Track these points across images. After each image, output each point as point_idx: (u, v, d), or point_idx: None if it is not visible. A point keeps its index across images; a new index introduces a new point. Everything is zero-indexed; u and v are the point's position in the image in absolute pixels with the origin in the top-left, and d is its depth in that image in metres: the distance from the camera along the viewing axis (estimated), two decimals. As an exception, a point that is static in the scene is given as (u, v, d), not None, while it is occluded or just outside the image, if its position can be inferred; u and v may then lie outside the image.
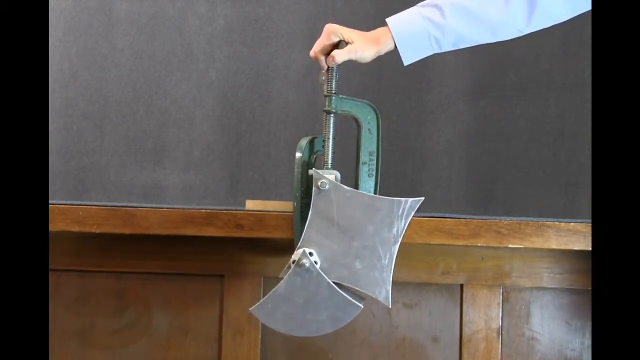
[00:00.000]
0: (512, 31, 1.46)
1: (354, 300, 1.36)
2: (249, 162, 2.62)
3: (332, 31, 1.43)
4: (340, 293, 1.36)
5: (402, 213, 1.35)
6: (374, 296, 1.36)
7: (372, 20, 1.53)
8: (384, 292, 1.36)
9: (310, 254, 1.36)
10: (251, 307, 1.38)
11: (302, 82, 2.61)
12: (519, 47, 2.55)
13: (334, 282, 1.36)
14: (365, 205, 1.36)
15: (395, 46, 1.43)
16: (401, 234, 1.36)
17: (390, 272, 1.36)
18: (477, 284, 1.58)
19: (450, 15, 1.42)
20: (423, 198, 1.36)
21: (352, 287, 1.37)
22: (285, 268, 1.37)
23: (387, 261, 1.36)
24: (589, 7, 1.45)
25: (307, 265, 1.35)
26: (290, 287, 1.36)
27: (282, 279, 1.37)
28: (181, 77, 2.64)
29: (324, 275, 1.35)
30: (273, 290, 1.37)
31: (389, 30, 1.42)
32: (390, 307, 1.37)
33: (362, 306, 1.37)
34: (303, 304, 1.36)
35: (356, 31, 1.44)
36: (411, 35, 1.42)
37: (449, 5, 1.42)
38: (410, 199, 1.35)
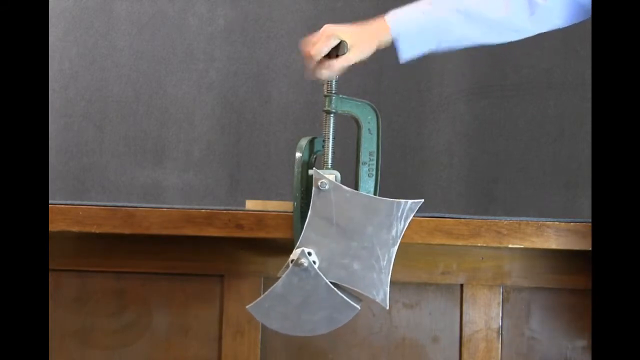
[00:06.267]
0: (511, 34, 1.46)
1: (351, 302, 1.36)
2: (249, 162, 2.62)
3: (331, 34, 1.41)
4: (338, 294, 1.35)
5: (402, 215, 1.35)
6: (371, 297, 1.35)
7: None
8: (381, 294, 1.35)
9: (309, 253, 1.35)
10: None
11: (302, 82, 2.61)
12: (519, 47, 2.54)
13: (331, 283, 1.36)
14: (364, 206, 1.36)
15: (393, 42, 1.42)
16: (400, 236, 1.35)
17: (389, 274, 1.35)
18: (477, 284, 1.58)
19: (449, 12, 1.42)
20: (423, 200, 1.36)
21: (350, 287, 1.37)
22: (283, 267, 1.37)
23: (385, 262, 1.35)
24: (583, 18, 1.45)
25: (305, 264, 1.34)
26: (287, 286, 1.36)
27: (280, 278, 1.37)
28: (181, 77, 2.64)
29: (322, 276, 1.35)
30: (270, 289, 1.36)
31: (387, 25, 1.42)
32: (387, 308, 1.36)
33: (360, 307, 1.37)
34: (300, 304, 1.36)
35: (353, 30, 1.42)
36: (409, 31, 1.42)
37: (447, 2, 1.42)
38: (410, 201, 1.35)
